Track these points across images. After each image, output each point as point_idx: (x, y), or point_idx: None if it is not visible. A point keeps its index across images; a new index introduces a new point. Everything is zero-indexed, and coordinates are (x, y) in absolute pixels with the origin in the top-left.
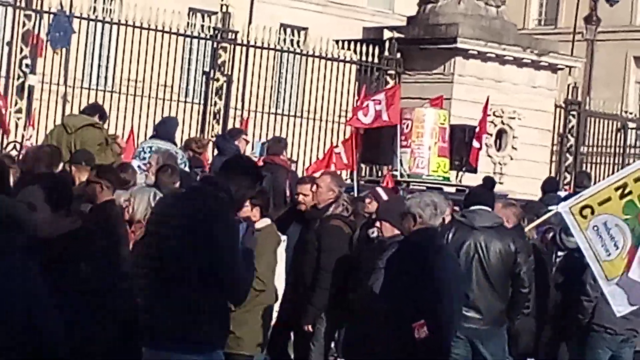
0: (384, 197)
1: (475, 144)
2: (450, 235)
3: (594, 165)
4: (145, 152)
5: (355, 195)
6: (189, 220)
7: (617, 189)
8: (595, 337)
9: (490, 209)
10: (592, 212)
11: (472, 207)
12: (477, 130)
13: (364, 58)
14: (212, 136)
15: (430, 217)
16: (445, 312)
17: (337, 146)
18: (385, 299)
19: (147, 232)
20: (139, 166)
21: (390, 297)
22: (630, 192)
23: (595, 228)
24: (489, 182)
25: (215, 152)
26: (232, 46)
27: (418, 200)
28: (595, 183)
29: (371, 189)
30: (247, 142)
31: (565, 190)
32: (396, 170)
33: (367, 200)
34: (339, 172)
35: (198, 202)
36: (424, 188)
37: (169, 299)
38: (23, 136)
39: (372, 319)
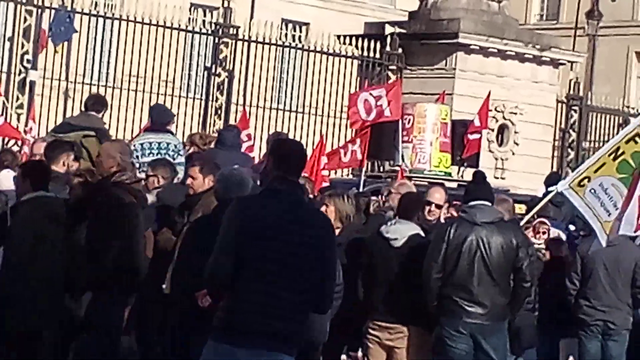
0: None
1: (472, 136)
2: (452, 231)
3: None
4: (137, 151)
5: (361, 190)
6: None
7: (610, 154)
8: (579, 330)
9: (490, 204)
10: (589, 180)
11: (472, 203)
12: (473, 123)
13: (365, 53)
14: (213, 131)
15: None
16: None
17: (353, 142)
18: None
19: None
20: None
21: None
22: (623, 153)
23: (593, 191)
24: (479, 176)
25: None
26: (234, 41)
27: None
28: None
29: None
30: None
31: None
32: (398, 165)
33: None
34: (349, 169)
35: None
36: (426, 183)
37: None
38: (25, 131)
39: None
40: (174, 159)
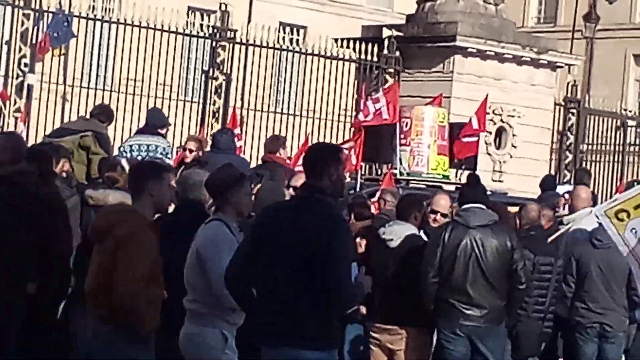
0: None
1: (468, 139)
2: (447, 235)
3: (593, 163)
4: (127, 153)
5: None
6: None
7: None
8: (575, 332)
9: (484, 206)
10: (628, 216)
11: (466, 206)
12: (470, 124)
13: (363, 56)
14: (210, 135)
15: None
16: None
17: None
18: None
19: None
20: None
21: None
22: None
23: (634, 231)
24: (473, 179)
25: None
26: (231, 45)
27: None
28: (595, 181)
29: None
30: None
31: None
32: (396, 168)
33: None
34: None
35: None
36: (424, 186)
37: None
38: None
39: None
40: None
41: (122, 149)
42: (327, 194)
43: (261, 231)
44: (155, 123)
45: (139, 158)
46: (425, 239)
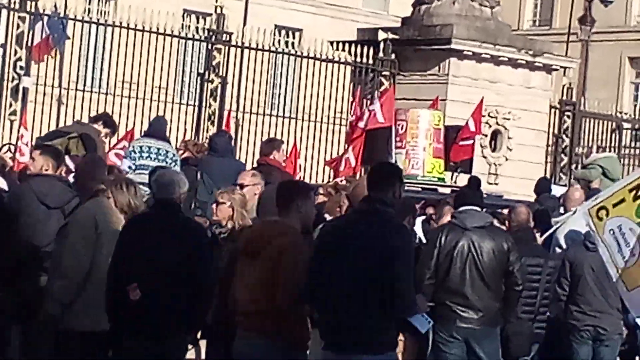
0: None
1: (464, 142)
2: (444, 237)
3: None
4: (135, 153)
5: None
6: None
7: (630, 191)
8: (568, 336)
9: (479, 209)
10: (607, 214)
11: (462, 208)
12: (467, 127)
13: (358, 59)
14: (206, 138)
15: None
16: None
17: (346, 151)
18: None
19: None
20: (129, 166)
21: None
22: None
23: (612, 232)
24: (474, 182)
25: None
26: (227, 48)
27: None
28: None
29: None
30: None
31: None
32: None
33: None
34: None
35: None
36: (419, 189)
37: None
38: (18, 138)
39: None
40: (170, 167)
41: (130, 149)
42: (388, 205)
43: (325, 243)
44: (162, 129)
45: (148, 160)
46: (423, 240)
